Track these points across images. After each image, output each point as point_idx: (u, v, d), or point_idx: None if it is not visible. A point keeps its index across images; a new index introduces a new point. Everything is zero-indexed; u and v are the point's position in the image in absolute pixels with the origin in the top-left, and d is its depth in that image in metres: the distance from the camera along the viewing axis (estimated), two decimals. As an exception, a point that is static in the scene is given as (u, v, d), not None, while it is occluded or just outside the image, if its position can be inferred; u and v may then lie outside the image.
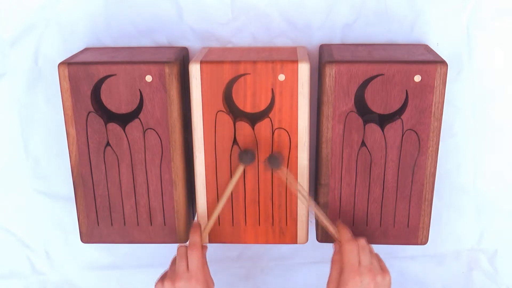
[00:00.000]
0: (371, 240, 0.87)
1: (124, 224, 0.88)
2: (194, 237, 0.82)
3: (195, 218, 0.92)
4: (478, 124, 0.94)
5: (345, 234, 0.81)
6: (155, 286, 0.82)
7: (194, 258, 0.79)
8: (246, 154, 0.82)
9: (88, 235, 0.89)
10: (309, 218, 0.88)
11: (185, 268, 0.79)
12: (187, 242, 0.83)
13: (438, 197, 0.97)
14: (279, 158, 0.82)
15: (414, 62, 0.78)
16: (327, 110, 0.81)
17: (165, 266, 0.85)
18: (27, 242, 1.04)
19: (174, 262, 0.83)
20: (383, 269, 0.80)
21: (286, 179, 0.84)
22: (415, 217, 0.86)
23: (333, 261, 0.82)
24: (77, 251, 1.04)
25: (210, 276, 0.83)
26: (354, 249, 0.79)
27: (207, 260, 0.91)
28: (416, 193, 0.85)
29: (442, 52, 0.88)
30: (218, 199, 0.86)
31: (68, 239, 1.03)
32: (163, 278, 0.81)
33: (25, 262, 1.05)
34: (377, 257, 0.82)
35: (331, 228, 0.84)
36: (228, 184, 0.83)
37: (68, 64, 0.80)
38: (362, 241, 0.81)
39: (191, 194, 0.91)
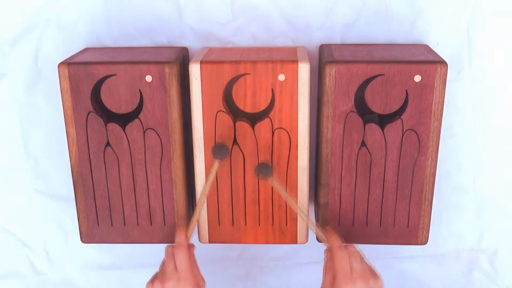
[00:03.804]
0: (371, 240, 0.87)
1: (124, 224, 0.88)
2: (179, 238, 0.82)
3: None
4: (478, 124, 0.94)
5: (335, 241, 0.82)
6: (146, 287, 0.82)
7: (181, 258, 0.80)
8: (220, 149, 0.82)
9: (88, 235, 0.89)
10: (309, 218, 0.88)
11: (173, 268, 0.80)
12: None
13: (438, 197, 0.97)
14: (269, 168, 0.82)
15: (414, 62, 0.78)
16: (327, 110, 0.81)
17: (165, 266, 0.85)
18: (27, 242, 1.04)
19: (163, 263, 0.83)
20: (374, 274, 0.81)
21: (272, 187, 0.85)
22: (415, 217, 0.86)
23: (325, 269, 0.83)
24: (77, 251, 1.04)
25: (200, 274, 0.83)
26: (345, 255, 0.80)
27: (208, 260, 0.91)
28: (416, 193, 0.85)
29: (442, 52, 0.88)
30: (218, 199, 0.86)
31: (68, 239, 1.03)
32: (153, 279, 0.82)
33: (25, 262, 1.05)
34: (367, 264, 0.83)
35: (320, 235, 0.84)
36: (206, 181, 0.83)
37: (68, 64, 0.80)
38: (352, 248, 0.82)
39: (191, 194, 0.91)
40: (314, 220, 0.88)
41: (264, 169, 0.82)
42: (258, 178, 0.84)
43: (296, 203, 0.84)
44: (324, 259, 0.84)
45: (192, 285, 0.80)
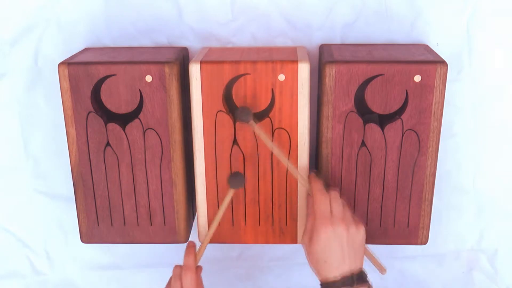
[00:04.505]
0: (371, 240, 0.87)
1: (124, 224, 0.88)
2: (188, 259, 0.82)
3: (197, 221, 0.92)
4: (478, 124, 0.94)
5: (317, 185, 0.80)
6: None
7: (188, 280, 0.80)
8: (236, 178, 0.82)
9: (88, 235, 0.89)
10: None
11: None
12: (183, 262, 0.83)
13: (438, 197, 0.97)
14: (249, 110, 0.79)
15: (414, 62, 0.78)
16: (327, 110, 0.81)
17: (165, 266, 0.85)
18: (27, 242, 1.04)
19: (170, 282, 0.83)
20: (357, 222, 0.78)
21: (255, 133, 0.82)
22: (415, 217, 0.86)
23: (307, 215, 0.81)
24: (77, 251, 1.04)
25: None
26: (326, 199, 0.78)
27: (208, 260, 0.91)
28: (416, 193, 0.85)
29: (442, 52, 0.88)
30: (218, 199, 0.86)
31: (68, 239, 1.03)
32: None
33: (25, 262, 1.05)
34: (350, 211, 0.80)
35: (303, 182, 0.83)
36: (219, 208, 0.84)
37: (68, 64, 0.80)
38: (334, 192, 0.79)
39: (191, 194, 0.91)
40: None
41: (243, 113, 0.79)
42: (238, 122, 0.81)
43: (276, 146, 0.82)
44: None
45: None
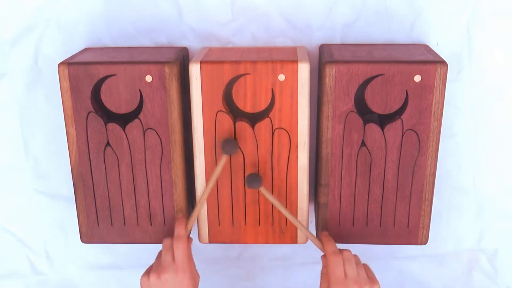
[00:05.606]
0: (371, 240, 0.87)
1: (124, 224, 0.88)
2: (179, 230, 0.82)
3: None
4: (478, 124, 0.94)
5: (330, 247, 0.82)
6: (141, 280, 0.82)
7: (180, 250, 0.79)
8: (228, 144, 0.82)
9: (88, 235, 0.89)
10: (309, 218, 0.88)
11: (171, 260, 0.79)
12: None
13: (438, 197, 0.97)
14: (259, 178, 0.83)
15: (414, 62, 0.78)
16: (327, 110, 0.81)
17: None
18: (27, 242, 1.04)
19: (159, 255, 0.83)
20: (372, 279, 0.80)
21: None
22: (415, 217, 0.86)
23: (321, 275, 0.83)
24: (77, 251, 1.04)
25: (196, 269, 0.83)
26: (339, 261, 0.79)
27: (208, 260, 0.91)
28: (416, 193, 0.85)
29: (442, 52, 0.88)
30: (218, 199, 0.86)
31: (68, 239, 1.03)
32: (148, 272, 0.82)
33: (25, 262, 1.05)
34: (365, 267, 0.82)
35: (316, 242, 0.85)
36: (211, 175, 0.83)
37: (68, 64, 0.80)
38: (347, 253, 0.81)
39: (191, 194, 0.91)
40: (308, 224, 0.88)
41: (252, 180, 0.82)
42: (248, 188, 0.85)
43: (285, 208, 0.84)
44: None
45: (189, 278, 0.79)
